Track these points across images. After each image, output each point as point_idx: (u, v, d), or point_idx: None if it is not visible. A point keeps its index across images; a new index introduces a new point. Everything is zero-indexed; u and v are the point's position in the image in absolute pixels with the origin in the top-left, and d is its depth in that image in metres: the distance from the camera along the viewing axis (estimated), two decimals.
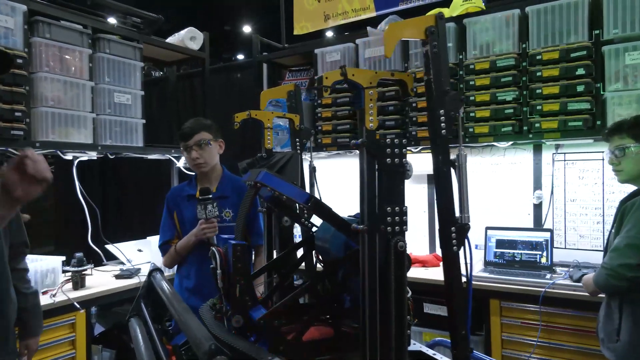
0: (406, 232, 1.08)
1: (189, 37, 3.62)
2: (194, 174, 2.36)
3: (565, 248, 2.98)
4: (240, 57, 12.24)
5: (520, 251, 2.88)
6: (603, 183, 2.90)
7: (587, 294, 2.36)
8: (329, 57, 3.38)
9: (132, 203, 4.43)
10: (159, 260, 3.15)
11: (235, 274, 1.19)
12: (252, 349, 1.05)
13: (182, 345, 1.49)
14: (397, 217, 1.06)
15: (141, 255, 3.44)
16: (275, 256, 1.64)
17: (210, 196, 1.97)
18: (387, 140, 1.04)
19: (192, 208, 2.11)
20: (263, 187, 1.22)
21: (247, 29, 12.00)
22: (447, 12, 3.15)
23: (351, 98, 3.26)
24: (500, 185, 3.14)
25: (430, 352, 1.36)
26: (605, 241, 2.13)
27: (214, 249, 1.31)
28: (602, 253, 2.87)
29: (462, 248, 1.09)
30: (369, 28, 3.15)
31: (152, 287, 1.52)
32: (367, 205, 1.04)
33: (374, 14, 3.75)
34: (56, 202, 3.96)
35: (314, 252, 1.53)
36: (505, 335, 2.61)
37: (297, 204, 1.52)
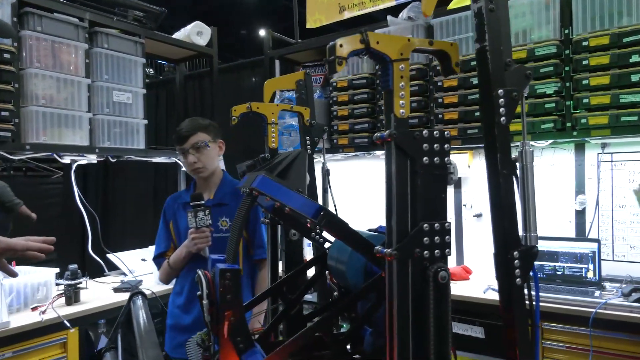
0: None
1: (195, 32, 3.39)
2: (193, 179, 2.12)
3: (613, 260, 2.63)
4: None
5: (562, 264, 2.55)
6: None
7: None
8: None
9: (137, 210, 4.22)
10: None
11: (224, 307, 0.92)
12: None
13: None
14: (437, 238, 0.78)
15: (145, 265, 3.21)
16: (281, 277, 1.37)
17: (203, 202, 1.72)
18: (425, 132, 0.76)
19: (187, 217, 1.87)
20: (261, 195, 0.94)
21: (260, 32, 11.78)
22: None
23: (379, 83, 2.98)
24: (537, 190, 2.80)
25: None
26: None
27: (200, 272, 1.04)
28: None
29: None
30: (389, 17, 2.87)
31: (131, 315, 1.26)
32: (396, 222, 0.76)
33: (393, 3, 3.46)
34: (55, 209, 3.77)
35: (327, 272, 1.26)
36: None
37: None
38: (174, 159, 3.43)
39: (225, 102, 3.90)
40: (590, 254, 2.48)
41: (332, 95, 3.21)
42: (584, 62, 2.31)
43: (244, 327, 0.94)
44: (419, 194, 0.77)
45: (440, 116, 2.73)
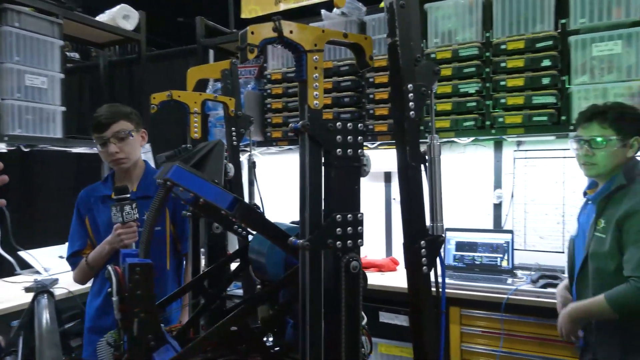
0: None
1: (121, 16, 3.21)
2: (111, 171, 2.00)
3: (525, 250, 2.84)
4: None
5: (480, 254, 2.71)
6: (564, 182, 2.77)
7: (552, 300, 2.20)
8: None
9: (57, 204, 3.94)
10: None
11: (134, 304, 0.88)
12: None
13: None
14: (349, 228, 0.79)
15: (63, 262, 3.01)
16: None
17: (128, 195, 1.62)
18: (338, 124, 0.76)
19: (108, 211, 1.74)
20: (176, 186, 0.91)
21: (171, 13, 11.35)
22: None
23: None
24: (460, 184, 2.96)
25: None
26: (571, 242, 1.94)
27: (110, 268, 0.99)
28: (559, 255, 2.80)
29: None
30: (323, 12, 2.88)
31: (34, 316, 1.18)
32: (309, 213, 0.76)
33: None
34: None
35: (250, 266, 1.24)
36: (465, 345, 2.42)
37: None
38: (96, 150, 3.24)
39: (156, 91, 3.75)
40: (504, 244, 2.66)
41: (266, 87, 3.17)
42: (502, 65, 2.46)
43: (155, 324, 0.91)
44: (332, 185, 0.78)
45: (371, 112, 2.79)
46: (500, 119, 2.48)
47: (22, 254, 2.84)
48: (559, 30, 2.39)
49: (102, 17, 3.23)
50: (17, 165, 3.98)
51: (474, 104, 2.53)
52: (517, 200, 2.85)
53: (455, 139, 2.72)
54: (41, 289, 1.24)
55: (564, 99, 2.39)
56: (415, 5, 0.79)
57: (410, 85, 0.78)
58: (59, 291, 2.49)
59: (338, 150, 0.78)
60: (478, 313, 2.39)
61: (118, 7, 3.21)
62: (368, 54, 0.82)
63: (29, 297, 2.40)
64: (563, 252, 2.70)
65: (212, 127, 3.32)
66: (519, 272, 2.59)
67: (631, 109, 1.75)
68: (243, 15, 3.82)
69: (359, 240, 0.80)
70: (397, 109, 0.79)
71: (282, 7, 3.66)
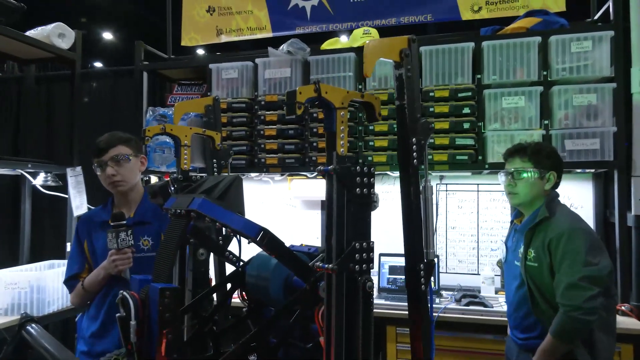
0: None
1: (56, 34, 3.09)
2: (111, 197, 1.96)
3: (447, 272, 3.19)
4: (98, 64, 11.08)
5: None
6: (478, 212, 3.20)
7: (475, 317, 2.53)
8: (226, 74, 3.18)
9: None
10: (2, 300, 2.56)
11: (163, 326, 0.95)
12: None
13: None
14: (364, 254, 0.95)
15: None
16: (187, 295, 1.40)
17: (124, 222, 1.64)
18: (358, 169, 0.94)
19: (105, 236, 1.76)
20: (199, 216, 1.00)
21: (107, 35, 11.00)
22: (346, 43, 3.23)
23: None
24: (392, 213, 3.26)
25: None
26: (500, 264, 2.20)
27: (125, 293, 1.04)
28: (475, 276, 3.19)
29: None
30: (270, 49, 3.06)
31: (27, 344, 1.15)
32: (335, 241, 0.92)
33: (270, 34, 3.69)
34: None
35: (238, 290, 1.34)
36: None
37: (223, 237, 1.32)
38: (19, 171, 3.03)
39: (93, 110, 3.60)
40: None
41: (259, 114, 3.15)
42: (431, 109, 2.83)
43: (180, 344, 0.98)
44: (351, 218, 0.94)
45: (314, 144, 3.00)
46: (430, 157, 2.82)
47: None
48: (476, 84, 2.82)
49: (33, 33, 3.08)
50: None
51: None
52: (440, 227, 3.22)
53: (389, 172, 3.02)
54: (26, 318, 1.20)
55: (480, 142, 2.81)
56: (416, 75, 1.00)
57: (414, 139, 0.98)
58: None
59: (357, 189, 0.95)
60: None
61: (53, 25, 3.09)
62: (377, 111, 1.01)
63: None
64: (479, 274, 3.09)
65: (151, 152, 3.28)
66: (443, 293, 2.91)
67: (548, 147, 2.07)
68: (183, 43, 3.88)
69: (371, 264, 0.97)
70: (403, 156, 0.99)
71: (224, 39, 3.79)
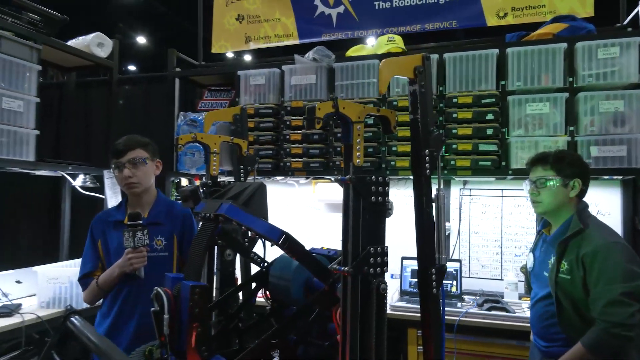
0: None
1: (95, 43, 3.27)
2: (124, 197, 2.08)
3: (470, 277, 3.20)
4: (132, 68, 11.55)
5: None
6: (502, 217, 3.20)
7: (497, 322, 2.54)
8: (253, 81, 3.29)
9: (14, 227, 3.80)
10: (47, 294, 2.72)
11: (193, 320, 1.04)
12: None
13: None
14: (379, 258, 1.02)
15: (22, 287, 2.93)
16: (215, 293, 1.50)
17: (141, 222, 1.74)
18: (373, 178, 1.00)
19: (119, 235, 1.86)
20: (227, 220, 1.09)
21: (141, 39, 11.42)
22: (371, 50, 3.29)
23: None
24: (403, 217, 3.27)
25: None
26: (527, 273, 2.19)
27: (160, 290, 1.14)
28: (499, 281, 3.19)
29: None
30: (296, 56, 3.15)
31: (71, 334, 1.27)
32: (351, 246, 0.99)
33: (297, 41, 3.79)
34: None
35: (262, 290, 1.42)
36: None
37: (248, 240, 1.41)
38: (60, 173, 3.22)
39: (127, 114, 3.78)
40: (454, 272, 3.00)
41: (285, 119, 3.25)
42: (454, 115, 2.85)
43: (208, 337, 1.07)
44: (366, 225, 1.01)
45: (338, 149, 3.07)
46: (452, 162, 2.85)
47: None
48: (499, 90, 2.83)
49: (74, 43, 3.28)
50: None
51: None
52: (463, 232, 3.23)
53: (410, 177, 3.06)
54: (70, 310, 1.32)
55: (503, 148, 2.81)
56: (430, 90, 1.06)
57: (427, 151, 1.04)
58: (26, 317, 2.47)
59: (372, 197, 1.01)
60: None
61: (93, 35, 3.27)
62: (392, 124, 1.08)
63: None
64: (502, 280, 3.10)
65: (182, 155, 3.42)
66: (465, 297, 2.93)
67: (571, 154, 2.06)
68: (213, 50, 4.03)
69: (385, 268, 1.03)
70: (416, 167, 1.05)
71: (253, 46, 3.91)
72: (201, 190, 1.49)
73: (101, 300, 2.05)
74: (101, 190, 3.32)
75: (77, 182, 3.21)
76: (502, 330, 2.54)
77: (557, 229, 1.99)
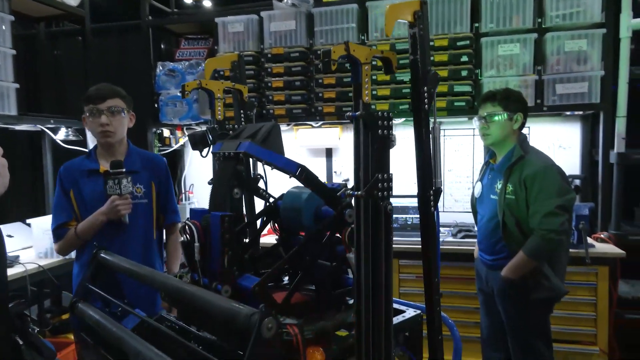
0: None
1: None
2: (86, 149, 2.12)
3: (444, 211, 3.47)
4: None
5: (410, 216, 3.27)
6: (473, 155, 3.43)
7: (470, 248, 2.81)
8: (232, 28, 3.29)
9: None
10: (43, 244, 2.80)
11: (224, 245, 1.19)
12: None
13: (134, 329, 1.41)
14: (385, 184, 1.17)
15: (14, 241, 3.00)
16: None
17: (124, 170, 1.79)
18: (379, 113, 1.14)
19: (94, 184, 1.89)
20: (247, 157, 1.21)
21: None
22: None
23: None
24: (394, 157, 3.47)
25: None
26: (474, 199, 2.47)
27: (189, 222, 1.27)
28: (470, 214, 3.46)
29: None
30: (274, 2, 3.15)
31: (104, 267, 1.39)
32: (363, 173, 1.14)
33: None
34: None
35: (271, 222, 1.57)
36: (403, 289, 2.97)
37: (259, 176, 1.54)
38: (40, 127, 3.20)
39: (103, 65, 3.70)
40: None
41: (266, 66, 3.28)
42: (432, 58, 2.97)
43: (239, 259, 1.22)
44: (374, 155, 1.16)
45: (320, 95, 3.16)
46: None
47: None
48: (473, 32, 2.96)
49: None
50: None
51: (407, 90, 3.03)
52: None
53: (342, 121, 3.23)
54: (98, 247, 1.43)
55: (477, 88, 2.98)
56: (427, 33, 1.18)
57: (425, 88, 1.18)
58: (28, 266, 2.56)
59: (379, 131, 1.15)
60: (412, 262, 2.94)
61: None
62: (394, 64, 1.20)
63: None
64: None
65: (164, 105, 3.44)
66: (441, 229, 3.19)
67: (515, 92, 2.28)
68: None
69: (391, 192, 1.19)
70: (416, 103, 1.19)
71: None
72: (209, 136, 1.58)
73: (74, 253, 2.04)
74: (84, 143, 3.33)
75: (60, 136, 3.20)
76: (471, 255, 2.82)
77: (502, 157, 2.26)
